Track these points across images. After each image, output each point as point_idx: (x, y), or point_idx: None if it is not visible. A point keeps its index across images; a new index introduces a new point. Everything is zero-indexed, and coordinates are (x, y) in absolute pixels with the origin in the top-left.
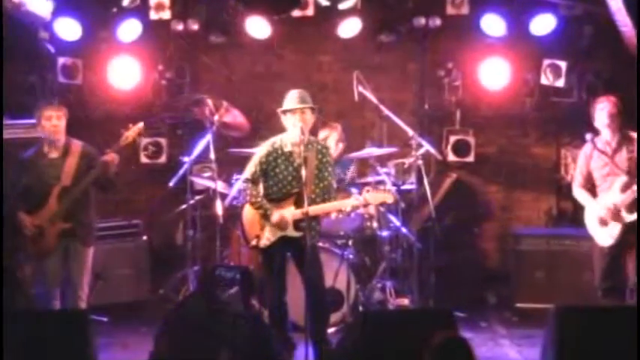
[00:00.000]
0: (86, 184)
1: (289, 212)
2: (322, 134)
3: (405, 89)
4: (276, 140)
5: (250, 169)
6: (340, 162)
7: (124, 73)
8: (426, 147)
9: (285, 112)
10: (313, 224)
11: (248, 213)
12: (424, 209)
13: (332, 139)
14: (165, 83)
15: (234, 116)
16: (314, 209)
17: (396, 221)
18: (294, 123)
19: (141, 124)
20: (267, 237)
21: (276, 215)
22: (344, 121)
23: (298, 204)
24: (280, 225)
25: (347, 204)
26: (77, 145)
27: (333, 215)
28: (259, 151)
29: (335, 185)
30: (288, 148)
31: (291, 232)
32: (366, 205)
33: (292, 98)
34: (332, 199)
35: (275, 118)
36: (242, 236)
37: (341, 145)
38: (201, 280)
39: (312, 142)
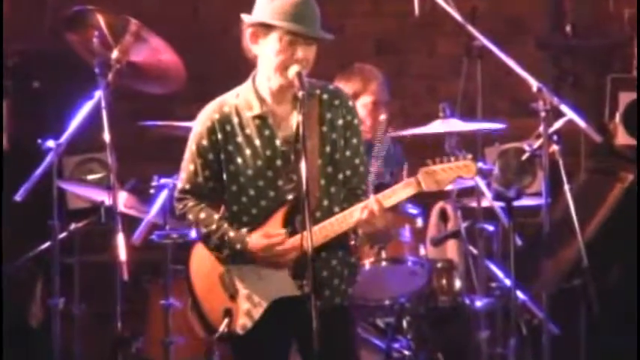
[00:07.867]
0: None
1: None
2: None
3: None
4: (226, 99)
5: (186, 168)
6: (382, 147)
7: None
8: (569, 116)
9: (267, 27)
10: (334, 264)
11: (202, 265)
12: (565, 250)
13: (362, 102)
14: None
15: (154, 51)
16: (322, 231)
17: (504, 278)
18: (283, 62)
19: None
20: (248, 309)
21: (256, 239)
22: (389, 65)
23: (294, 224)
24: (272, 255)
25: (373, 205)
26: None
27: (367, 264)
28: (195, 128)
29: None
30: (254, 111)
31: (290, 290)
32: (417, 189)
33: (296, 10)
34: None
35: (242, 56)
36: (197, 318)
37: (383, 116)
38: None
39: (309, 90)
